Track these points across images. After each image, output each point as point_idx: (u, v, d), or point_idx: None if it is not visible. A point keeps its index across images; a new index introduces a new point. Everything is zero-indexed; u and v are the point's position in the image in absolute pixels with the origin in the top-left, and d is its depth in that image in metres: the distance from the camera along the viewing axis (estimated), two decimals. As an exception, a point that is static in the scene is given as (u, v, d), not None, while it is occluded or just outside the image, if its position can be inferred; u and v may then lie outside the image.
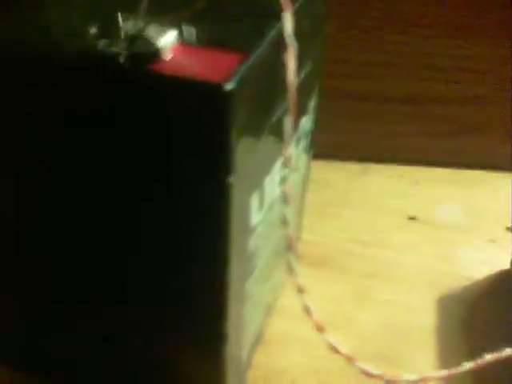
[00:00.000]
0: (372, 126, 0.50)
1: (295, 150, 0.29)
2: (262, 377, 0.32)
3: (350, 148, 0.50)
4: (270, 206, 0.26)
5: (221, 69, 0.19)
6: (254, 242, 0.25)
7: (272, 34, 0.22)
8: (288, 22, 0.23)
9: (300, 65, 0.27)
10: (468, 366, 0.26)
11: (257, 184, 0.24)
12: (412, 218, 0.45)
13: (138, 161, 0.20)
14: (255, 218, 0.24)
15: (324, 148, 0.50)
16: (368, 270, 0.40)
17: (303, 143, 0.30)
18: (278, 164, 0.25)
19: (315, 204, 0.45)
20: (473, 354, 0.35)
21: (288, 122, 0.22)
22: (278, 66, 0.22)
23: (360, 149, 0.50)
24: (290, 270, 0.23)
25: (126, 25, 0.20)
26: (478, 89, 0.48)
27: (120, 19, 0.20)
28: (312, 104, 0.31)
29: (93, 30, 0.20)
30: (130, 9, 0.20)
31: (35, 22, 0.21)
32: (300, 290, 0.24)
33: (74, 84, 0.20)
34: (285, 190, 0.23)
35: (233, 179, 0.20)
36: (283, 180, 0.23)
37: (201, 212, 0.21)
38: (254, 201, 0.24)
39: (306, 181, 0.37)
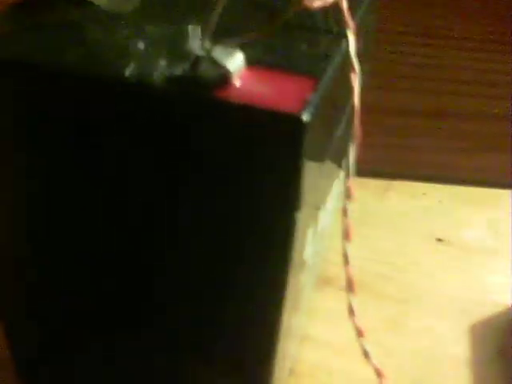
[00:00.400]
0: (394, 140, 0.48)
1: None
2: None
3: (371, 163, 0.48)
4: (320, 237, 0.24)
5: (294, 97, 0.17)
6: (304, 277, 0.23)
7: (337, 55, 0.21)
8: (352, 44, 0.22)
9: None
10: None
11: (313, 217, 0.22)
12: (440, 240, 0.43)
13: (201, 190, 0.19)
14: (308, 251, 0.23)
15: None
16: (400, 296, 0.39)
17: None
18: (332, 193, 0.24)
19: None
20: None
21: (352, 150, 0.21)
22: (339, 89, 0.21)
23: (382, 164, 0.49)
24: (351, 312, 0.22)
25: (190, 45, 0.18)
26: (503, 104, 0.47)
27: (182, 38, 0.18)
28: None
29: (151, 49, 0.18)
30: (192, 28, 0.19)
31: (91, 41, 0.19)
32: (360, 334, 0.22)
33: (133, 109, 0.18)
34: (347, 225, 0.21)
35: (299, 213, 0.19)
36: (344, 213, 0.21)
37: (263, 245, 0.19)
38: (310, 234, 0.22)
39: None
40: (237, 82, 0.17)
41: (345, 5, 0.22)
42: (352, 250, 0.42)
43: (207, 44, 0.18)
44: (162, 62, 0.18)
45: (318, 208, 0.22)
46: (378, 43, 0.45)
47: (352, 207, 0.45)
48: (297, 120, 0.17)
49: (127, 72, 0.18)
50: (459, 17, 0.45)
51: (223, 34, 0.18)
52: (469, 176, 0.49)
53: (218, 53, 0.18)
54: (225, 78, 0.17)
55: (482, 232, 0.45)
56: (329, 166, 0.22)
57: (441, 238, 0.44)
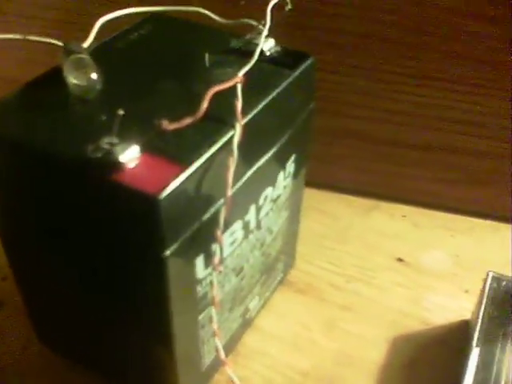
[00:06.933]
0: (384, 166, 0.55)
1: (255, 218, 0.36)
2: (225, 381, 0.40)
3: (362, 184, 0.56)
4: (229, 254, 0.34)
5: (159, 181, 0.27)
6: (202, 289, 0.33)
7: (219, 144, 0.29)
8: (237, 135, 0.30)
9: (267, 146, 0.35)
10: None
11: (202, 249, 0.31)
12: (400, 260, 0.50)
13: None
14: (201, 272, 0.32)
15: (338, 182, 0.57)
16: (343, 303, 0.47)
17: (270, 206, 0.38)
18: (236, 226, 0.33)
19: (317, 235, 0.52)
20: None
21: (219, 233, 0.30)
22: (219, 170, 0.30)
23: (371, 186, 0.56)
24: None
25: (105, 139, 0.28)
26: (487, 142, 0.52)
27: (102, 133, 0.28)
28: (288, 171, 0.38)
29: (80, 134, 0.29)
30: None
31: (52, 122, 0.30)
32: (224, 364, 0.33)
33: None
34: (213, 295, 0.31)
35: (169, 248, 0.28)
36: (211, 284, 0.31)
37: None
38: (199, 261, 0.31)
39: (294, 216, 0.44)
40: (127, 167, 0.27)
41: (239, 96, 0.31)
42: (318, 260, 0.50)
43: (115, 139, 0.28)
44: (90, 149, 0.28)
45: (206, 243, 0.31)
46: (375, 80, 0.52)
47: (333, 222, 0.53)
48: (149, 199, 0.26)
49: (57, 149, 0.28)
50: (451, 62, 0.50)
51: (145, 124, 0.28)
52: (449, 204, 0.55)
53: (118, 148, 0.27)
54: (117, 165, 0.27)
55: (443, 257, 0.51)
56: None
57: (402, 258, 0.51)
